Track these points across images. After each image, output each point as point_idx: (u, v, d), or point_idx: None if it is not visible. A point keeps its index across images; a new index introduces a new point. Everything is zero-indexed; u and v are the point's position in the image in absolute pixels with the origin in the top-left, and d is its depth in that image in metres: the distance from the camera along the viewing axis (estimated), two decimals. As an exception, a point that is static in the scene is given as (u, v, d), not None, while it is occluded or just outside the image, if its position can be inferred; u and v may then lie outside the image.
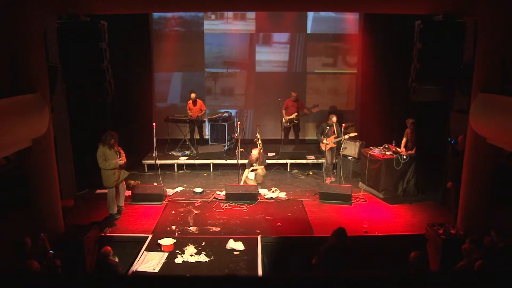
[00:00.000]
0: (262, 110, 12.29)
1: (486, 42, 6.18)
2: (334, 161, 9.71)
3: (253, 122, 12.16)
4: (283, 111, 11.09)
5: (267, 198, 8.66)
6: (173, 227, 7.37)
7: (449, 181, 7.78)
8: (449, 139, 8.21)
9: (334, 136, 9.41)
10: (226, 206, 8.28)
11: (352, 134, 9.32)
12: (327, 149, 9.44)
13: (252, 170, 9.15)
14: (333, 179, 9.68)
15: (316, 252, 5.09)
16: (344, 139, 9.25)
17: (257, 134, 10.64)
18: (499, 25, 6.02)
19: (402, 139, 9.09)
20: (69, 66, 6.50)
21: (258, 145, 10.10)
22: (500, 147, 6.03)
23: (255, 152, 9.05)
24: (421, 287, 1.50)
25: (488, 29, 6.12)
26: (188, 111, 11.10)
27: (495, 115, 5.80)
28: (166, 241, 6.67)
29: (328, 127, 9.51)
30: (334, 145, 9.49)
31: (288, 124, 11.11)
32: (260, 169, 9.14)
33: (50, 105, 6.42)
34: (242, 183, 9.07)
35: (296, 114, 11.02)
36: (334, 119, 9.50)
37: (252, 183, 9.06)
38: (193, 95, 11.09)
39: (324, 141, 9.41)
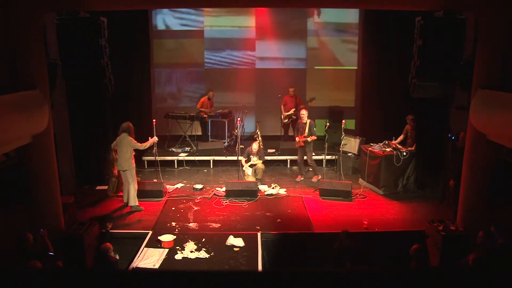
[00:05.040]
0: (262, 106, 12.27)
1: (486, 39, 6.17)
2: (309, 160, 9.49)
3: (253, 118, 12.14)
4: (282, 108, 11.10)
5: (267, 195, 8.67)
6: (173, 224, 7.38)
7: (450, 178, 7.78)
8: (449, 135, 8.21)
9: (304, 135, 9.30)
10: (226, 202, 8.29)
11: (313, 137, 9.09)
12: (297, 147, 9.49)
13: (251, 166, 9.16)
14: (302, 178, 9.57)
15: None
16: (308, 141, 9.17)
17: (257, 130, 10.64)
18: (499, 22, 6.01)
19: (401, 135, 9.09)
20: (69, 63, 6.49)
21: (258, 140, 10.10)
22: (500, 144, 6.03)
23: (255, 146, 9.07)
24: (420, 282, 1.50)
25: (488, 26, 6.12)
26: (200, 107, 11.11)
27: (495, 111, 5.80)
28: (166, 238, 6.69)
29: (301, 125, 9.40)
30: (303, 144, 9.37)
31: (287, 120, 11.10)
32: (260, 164, 9.14)
33: (50, 102, 6.42)
34: (244, 168, 9.11)
35: (294, 109, 11.01)
36: (303, 113, 9.32)
37: (251, 179, 9.07)
38: (211, 93, 11.31)
39: (296, 139, 9.44)
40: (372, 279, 1.49)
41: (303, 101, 11.33)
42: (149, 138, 8.19)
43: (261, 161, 9.19)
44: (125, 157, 7.80)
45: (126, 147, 7.80)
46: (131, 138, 7.84)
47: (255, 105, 12.39)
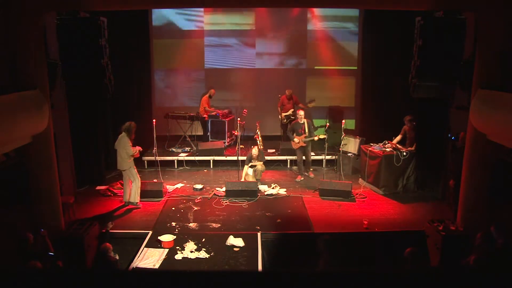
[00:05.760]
0: (262, 106, 12.27)
1: (486, 38, 6.17)
2: (309, 159, 9.66)
3: (253, 118, 12.13)
4: (279, 109, 11.11)
5: (267, 195, 8.66)
6: (173, 224, 7.38)
7: (450, 178, 7.79)
8: (449, 135, 8.21)
9: (305, 135, 9.32)
10: (226, 202, 8.29)
11: (321, 136, 9.18)
12: (297, 147, 9.45)
13: (251, 166, 9.15)
14: (302, 178, 9.63)
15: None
16: (315, 140, 9.20)
17: (257, 130, 10.63)
18: (499, 22, 6.01)
19: (399, 135, 9.11)
20: (69, 63, 6.49)
21: (258, 141, 10.09)
22: (500, 144, 6.03)
23: (254, 151, 9.05)
24: (420, 282, 1.50)
25: (488, 26, 6.12)
26: (207, 108, 11.13)
27: (495, 111, 5.80)
28: (166, 238, 6.68)
29: (298, 126, 9.40)
30: (304, 144, 9.41)
31: (285, 120, 11.11)
32: (260, 165, 9.14)
33: (50, 102, 6.42)
34: (242, 179, 9.07)
35: (292, 110, 11.01)
36: (301, 114, 9.38)
37: (251, 179, 9.07)
38: (213, 91, 11.27)
39: (295, 139, 9.38)
40: (372, 279, 1.49)
41: (303, 102, 11.33)
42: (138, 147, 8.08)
43: (261, 162, 9.18)
44: (123, 156, 7.81)
45: (122, 148, 7.81)
46: (128, 140, 7.82)
47: (255, 105, 12.39)
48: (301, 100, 11.33)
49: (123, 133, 7.88)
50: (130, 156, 7.85)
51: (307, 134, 9.28)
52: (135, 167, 8.03)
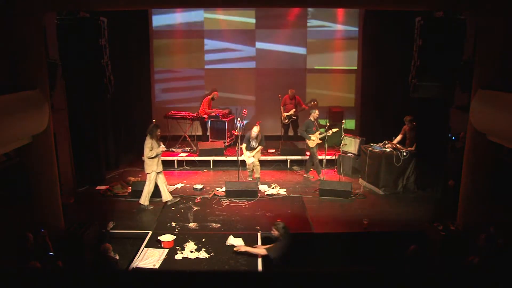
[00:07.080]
0: (262, 106, 12.28)
1: (486, 38, 6.17)
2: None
3: (253, 118, 12.13)
4: (281, 108, 11.13)
5: (267, 195, 8.67)
6: (173, 224, 7.38)
7: (450, 178, 7.78)
8: (449, 135, 8.22)
9: (319, 132, 9.36)
10: (226, 202, 8.29)
11: (334, 130, 9.29)
12: (314, 145, 9.40)
13: (249, 150, 9.17)
14: (321, 177, 9.65)
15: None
16: (328, 135, 9.26)
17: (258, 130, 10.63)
18: (499, 21, 6.01)
19: (399, 135, 9.12)
20: (69, 63, 6.49)
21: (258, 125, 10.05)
22: (500, 144, 6.03)
23: (255, 129, 9.06)
24: (420, 282, 1.50)
25: (488, 25, 6.12)
26: (206, 108, 11.15)
27: (495, 111, 5.80)
28: (166, 238, 6.68)
29: (311, 124, 9.43)
30: (320, 141, 9.43)
31: (287, 120, 11.13)
32: (256, 160, 9.17)
33: (50, 102, 6.42)
34: (244, 157, 9.13)
35: (294, 110, 11.05)
36: (316, 112, 9.47)
37: (250, 161, 9.11)
38: (216, 94, 11.34)
39: (312, 137, 9.36)
40: (372, 279, 1.49)
41: (303, 102, 11.35)
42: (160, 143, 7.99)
43: (261, 146, 9.18)
44: (145, 159, 7.84)
45: (144, 150, 7.81)
46: (149, 142, 7.74)
47: (255, 105, 12.39)
48: (302, 100, 11.34)
49: (147, 135, 7.84)
50: (150, 159, 7.77)
51: (319, 131, 9.32)
52: (157, 172, 7.94)
